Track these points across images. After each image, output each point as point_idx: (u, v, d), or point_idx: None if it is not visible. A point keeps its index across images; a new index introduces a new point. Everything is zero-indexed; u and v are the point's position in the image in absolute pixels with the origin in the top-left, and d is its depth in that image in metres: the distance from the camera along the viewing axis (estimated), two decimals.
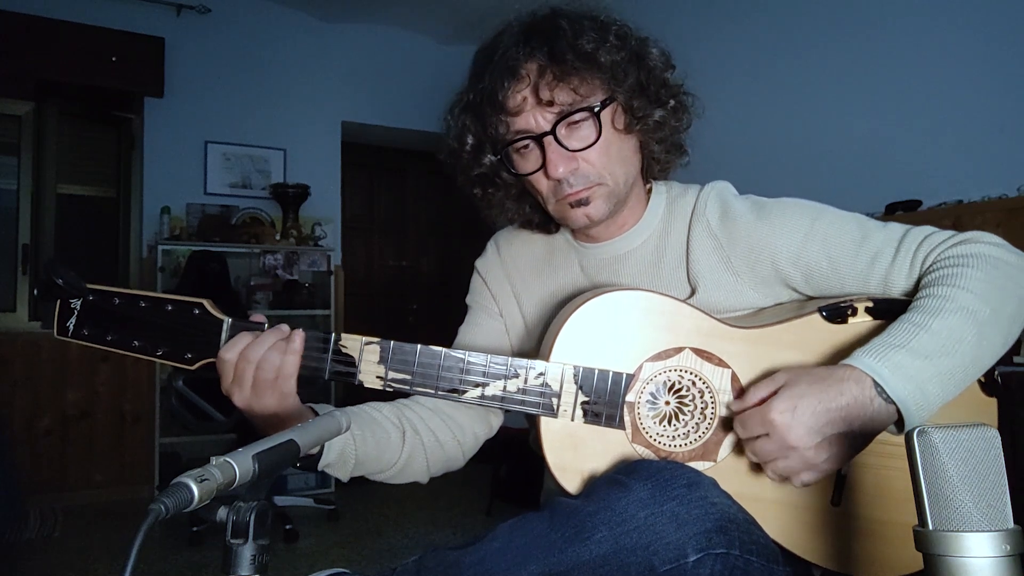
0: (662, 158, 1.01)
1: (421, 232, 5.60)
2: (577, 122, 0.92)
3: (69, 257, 4.12)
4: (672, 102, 0.98)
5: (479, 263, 1.16)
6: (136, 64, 4.09)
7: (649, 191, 1.06)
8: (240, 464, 0.63)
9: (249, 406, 0.86)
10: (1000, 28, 2.57)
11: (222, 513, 0.65)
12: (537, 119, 0.92)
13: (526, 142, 0.94)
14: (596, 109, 0.92)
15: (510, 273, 1.12)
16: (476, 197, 1.06)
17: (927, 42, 2.79)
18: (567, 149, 0.92)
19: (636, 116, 0.95)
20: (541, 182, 0.96)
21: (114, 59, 3.99)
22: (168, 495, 0.57)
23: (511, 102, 0.91)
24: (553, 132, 0.91)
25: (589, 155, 0.93)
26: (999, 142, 2.55)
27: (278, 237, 4.38)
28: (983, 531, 0.50)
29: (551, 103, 0.90)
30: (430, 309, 5.49)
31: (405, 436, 1.00)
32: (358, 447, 0.94)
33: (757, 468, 0.85)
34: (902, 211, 2.68)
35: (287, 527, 3.19)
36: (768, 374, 0.86)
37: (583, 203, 0.95)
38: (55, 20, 3.88)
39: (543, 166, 0.93)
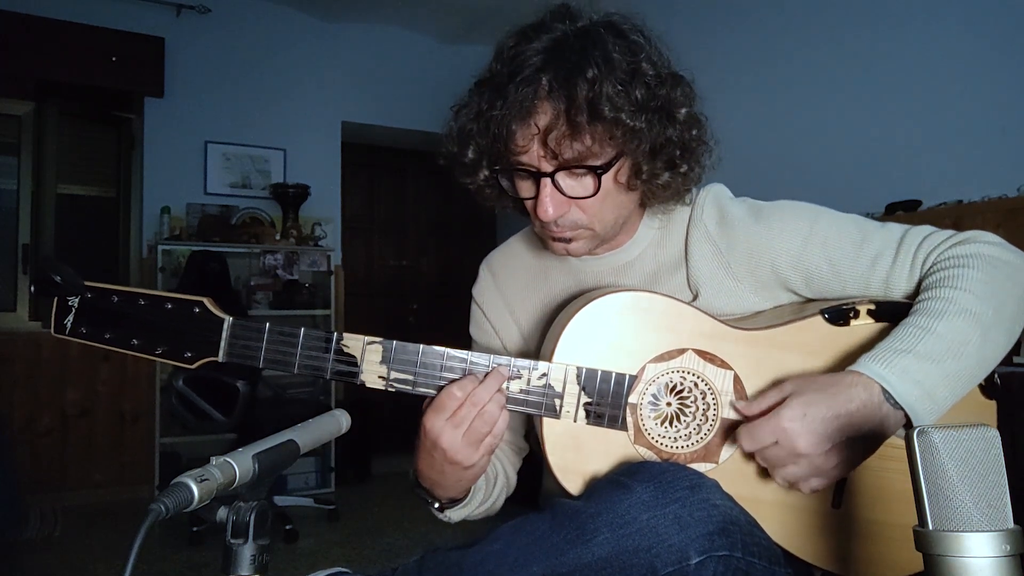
0: (661, 202, 0.98)
1: (421, 232, 5.60)
2: (578, 173, 0.89)
3: (69, 257, 4.12)
4: (684, 167, 0.93)
5: (475, 291, 1.15)
6: (136, 64, 4.09)
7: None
8: (240, 464, 0.64)
9: (456, 452, 0.82)
10: (1000, 28, 2.57)
11: (222, 513, 0.65)
12: (540, 160, 0.88)
13: (525, 173, 0.92)
14: (599, 171, 0.88)
15: (504, 292, 1.11)
16: (472, 191, 1.04)
17: (927, 42, 2.79)
18: (563, 194, 0.90)
19: (641, 178, 0.91)
20: (532, 210, 0.94)
21: (114, 59, 3.99)
22: (168, 495, 0.57)
23: (518, 140, 0.88)
24: (552, 176, 0.89)
25: (583, 203, 0.91)
26: (999, 142, 2.55)
27: (278, 237, 4.38)
28: (983, 531, 0.50)
29: (555, 155, 0.87)
30: (430, 309, 5.48)
31: (497, 481, 1.04)
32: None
33: (759, 470, 0.85)
34: (902, 211, 2.68)
35: (287, 527, 3.19)
36: (772, 377, 0.87)
37: (565, 241, 0.94)
38: (55, 20, 3.88)
39: (535, 200, 0.91)
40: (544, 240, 0.99)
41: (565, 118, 0.84)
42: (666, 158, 0.90)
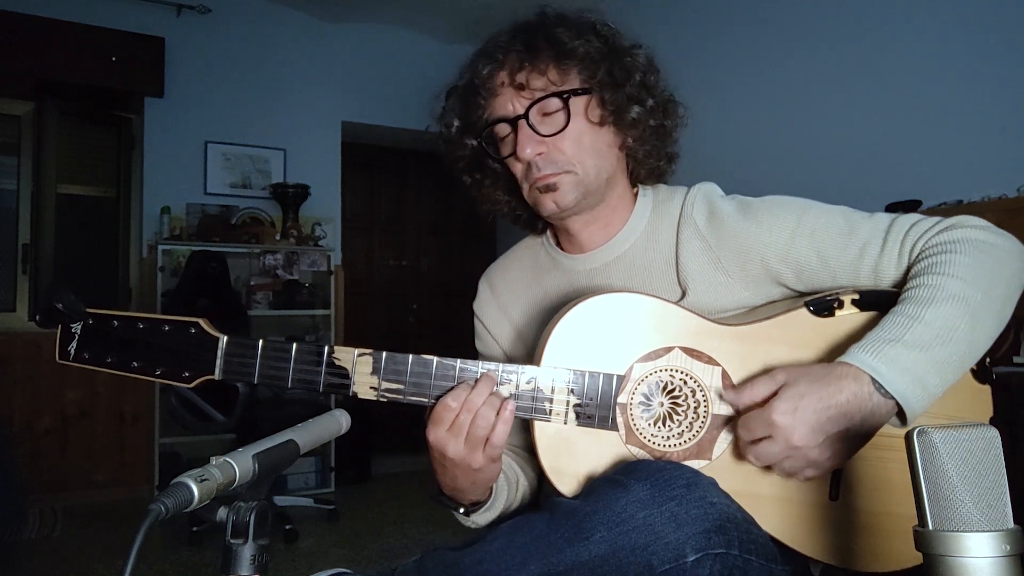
0: (645, 161, 1.02)
1: (421, 232, 5.60)
2: (550, 111, 0.96)
3: (69, 257, 4.12)
4: (651, 101, 1.00)
5: (475, 306, 1.17)
6: (136, 64, 4.09)
7: (636, 194, 1.07)
8: (240, 464, 0.64)
9: (463, 459, 0.84)
10: (1000, 28, 2.57)
11: (222, 513, 0.65)
12: (513, 104, 0.96)
13: (504, 128, 0.98)
14: (566, 96, 0.95)
15: (501, 301, 1.13)
16: (467, 185, 1.10)
17: (927, 42, 2.80)
18: (538, 133, 0.95)
19: (609, 110, 0.97)
20: (516, 166, 1.00)
21: (114, 59, 3.99)
22: (168, 495, 0.57)
23: (489, 84, 0.97)
24: (526, 116, 0.95)
25: (559, 142, 0.96)
26: (999, 142, 2.55)
27: (278, 237, 4.38)
28: (983, 531, 0.50)
29: (523, 87, 0.95)
30: (430, 309, 5.48)
31: (519, 484, 1.05)
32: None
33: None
34: (902, 211, 2.67)
35: (287, 527, 3.19)
36: (760, 371, 0.87)
37: (551, 188, 0.97)
38: (55, 20, 3.88)
39: (515, 150, 0.97)
40: (535, 202, 1.01)
41: (526, 52, 0.95)
42: (630, 91, 0.98)
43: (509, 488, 1.01)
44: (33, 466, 3.80)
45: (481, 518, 0.98)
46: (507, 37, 0.98)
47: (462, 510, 0.95)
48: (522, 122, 0.95)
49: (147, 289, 4.16)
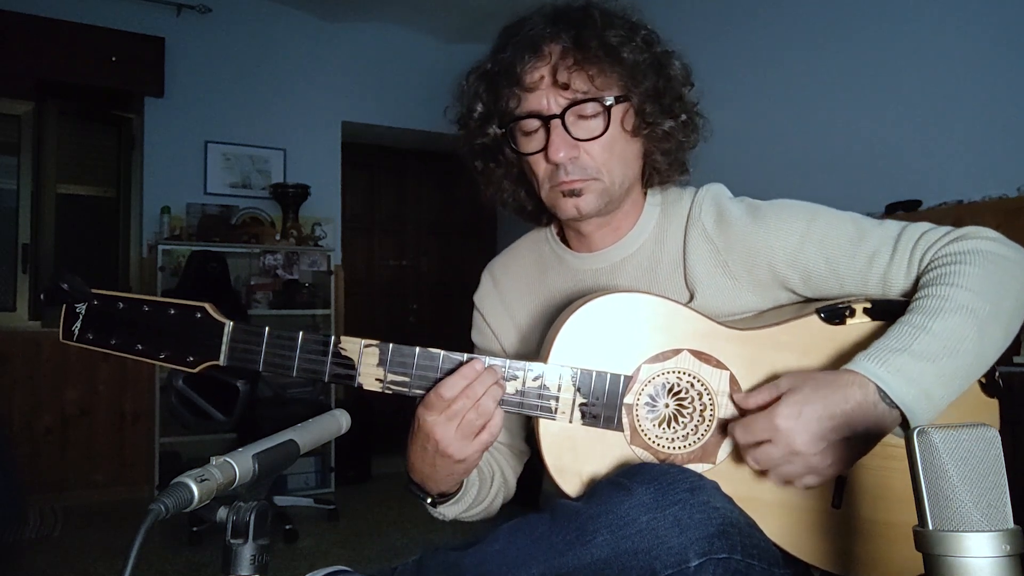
0: (663, 170, 1.01)
1: (421, 232, 5.60)
2: (587, 114, 0.93)
3: (69, 257, 4.12)
4: (684, 116, 0.98)
5: (476, 297, 1.15)
6: (136, 64, 4.09)
7: (645, 194, 1.06)
8: (240, 464, 0.64)
9: (449, 445, 0.81)
10: (1001, 28, 2.57)
11: (222, 513, 0.65)
12: (549, 101, 0.92)
13: (533, 123, 0.94)
14: (609, 103, 0.92)
15: (504, 296, 1.12)
16: (476, 170, 1.06)
17: (927, 42, 2.80)
18: (572, 136, 0.92)
19: (646, 121, 0.95)
20: (540, 165, 0.96)
21: (114, 59, 3.99)
22: (168, 495, 0.57)
23: (528, 78, 0.92)
24: (562, 116, 0.92)
25: (591, 147, 0.93)
26: (999, 142, 2.55)
27: (278, 237, 4.38)
28: (983, 531, 0.50)
29: (566, 87, 0.91)
30: (430, 309, 5.49)
31: (493, 480, 1.04)
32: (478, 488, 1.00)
33: (756, 470, 0.85)
34: (902, 211, 2.68)
35: (287, 527, 3.19)
36: (767, 376, 0.86)
37: (575, 194, 0.95)
38: (55, 20, 3.89)
39: (545, 148, 0.94)
40: (554, 204, 0.98)
41: (574, 49, 0.90)
42: (667, 104, 0.96)
43: (481, 484, 1.00)
44: (33, 466, 3.80)
45: (449, 510, 0.96)
46: (552, 28, 0.92)
47: (429, 500, 0.94)
48: (556, 122, 0.92)
49: (147, 289, 4.16)
